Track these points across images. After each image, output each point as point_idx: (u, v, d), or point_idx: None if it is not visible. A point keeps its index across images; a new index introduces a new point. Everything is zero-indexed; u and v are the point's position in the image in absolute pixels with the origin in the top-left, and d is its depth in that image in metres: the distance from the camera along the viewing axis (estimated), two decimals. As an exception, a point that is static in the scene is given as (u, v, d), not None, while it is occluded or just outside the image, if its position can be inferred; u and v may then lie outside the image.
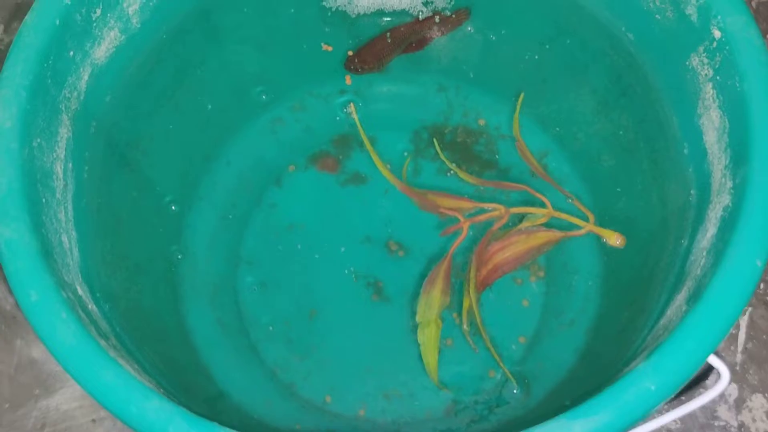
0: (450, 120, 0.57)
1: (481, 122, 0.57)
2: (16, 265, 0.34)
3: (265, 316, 0.53)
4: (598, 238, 0.51)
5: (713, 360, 0.35)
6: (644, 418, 0.32)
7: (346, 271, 0.54)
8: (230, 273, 0.54)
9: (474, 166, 0.56)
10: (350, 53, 0.54)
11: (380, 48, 0.53)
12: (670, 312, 0.37)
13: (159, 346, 0.44)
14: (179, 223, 0.53)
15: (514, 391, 0.47)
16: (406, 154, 0.56)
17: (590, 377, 0.41)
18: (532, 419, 0.43)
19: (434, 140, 0.55)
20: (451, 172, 0.55)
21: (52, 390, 0.54)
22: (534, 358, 0.51)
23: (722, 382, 0.36)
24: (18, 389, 0.54)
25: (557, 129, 0.54)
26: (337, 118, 0.57)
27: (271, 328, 0.53)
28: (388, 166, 0.55)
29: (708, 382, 0.49)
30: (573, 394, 0.39)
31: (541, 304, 0.53)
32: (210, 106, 0.53)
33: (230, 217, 0.55)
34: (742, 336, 0.55)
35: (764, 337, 0.54)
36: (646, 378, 0.32)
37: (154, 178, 0.50)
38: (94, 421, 0.53)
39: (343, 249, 0.55)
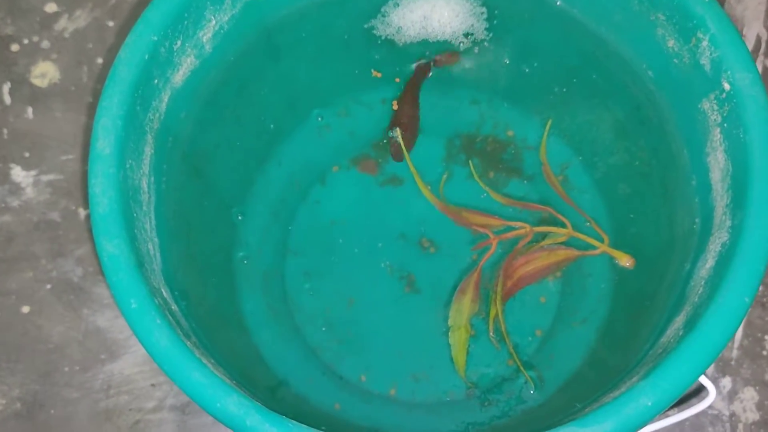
0: (481, 130, 0.62)
1: (510, 133, 0.62)
2: (118, 277, 0.40)
3: (308, 302, 0.59)
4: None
5: (703, 379, 0.41)
6: (641, 428, 0.38)
7: (382, 265, 0.59)
8: (279, 263, 0.59)
9: (501, 173, 0.61)
10: (393, 144, 0.59)
11: (408, 117, 0.58)
12: (669, 332, 0.43)
13: (223, 334, 0.50)
14: (236, 227, 0.58)
15: (531, 392, 0.53)
16: (442, 167, 0.61)
17: (598, 380, 0.47)
18: (544, 413, 0.49)
19: (470, 163, 0.60)
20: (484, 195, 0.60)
21: (116, 356, 0.60)
22: (548, 350, 0.56)
23: (709, 398, 0.42)
24: (86, 354, 0.60)
25: (580, 147, 0.59)
26: (379, 126, 0.62)
27: (313, 313, 0.58)
28: (429, 187, 0.60)
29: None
30: (583, 395, 0.45)
31: (556, 301, 0.58)
32: (266, 116, 0.58)
33: (280, 212, 0.60)
34: (739, 333, 0.60)
35: (759, 335, 0.60)
36: (644, 395, 0.38)
37: (217, 182, 0.55)
38: (153, 385, 0.59)
39: (380, 244, 0.60)
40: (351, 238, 0.60)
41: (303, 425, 0.37)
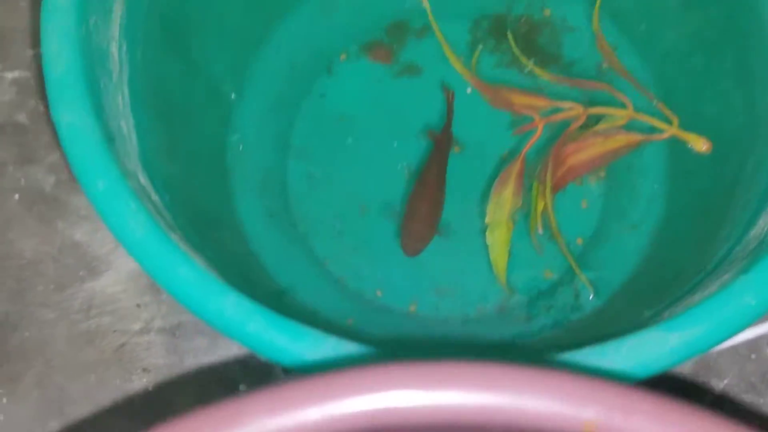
0: (512, 9, 0.54)
1: (546, 13, 0.54)
2: (80, 151, 0.32)
3: (314, 208, 0.53)
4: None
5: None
6: (737, 333, 0.31)
7: (399, 167, 0.53)
8: (279, 163, 0.53)
9: (536, 59, 0.53)
10: (407, 245, 0.50)
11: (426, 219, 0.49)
12: (762, 222, 0.36)
13: (215, 235, 0.43)
14: (229, 110, 0.51)
15: (590, 297, 0.46)
16: (474, 45, 0.53)
17: (664, 286, 0.40)
18: (600, 324, 0.42)
19: (509, 34, 0.52)
20: (520, 70, 0.52)
21: (97, 272, 0.54)
22: (593, 261, 0.50)
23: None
24: (63, 271, 0.54)
25: (633, 24, 0.51)
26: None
27: (320, 221, 0.52)
28: (461, 58, 0.52)
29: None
30: (651, 301, 0.38)
31: (600, 205, 0.51)
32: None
33: (280, 105, 0.53)
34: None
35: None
36: (746, 292, 0.31)
37: (205, 64, 0.47)
38: (138, 305, 0.54)
39: (395, 144, 0.53)
40: (362, 136, 0.54)
41: (320, 330, 0.30)
